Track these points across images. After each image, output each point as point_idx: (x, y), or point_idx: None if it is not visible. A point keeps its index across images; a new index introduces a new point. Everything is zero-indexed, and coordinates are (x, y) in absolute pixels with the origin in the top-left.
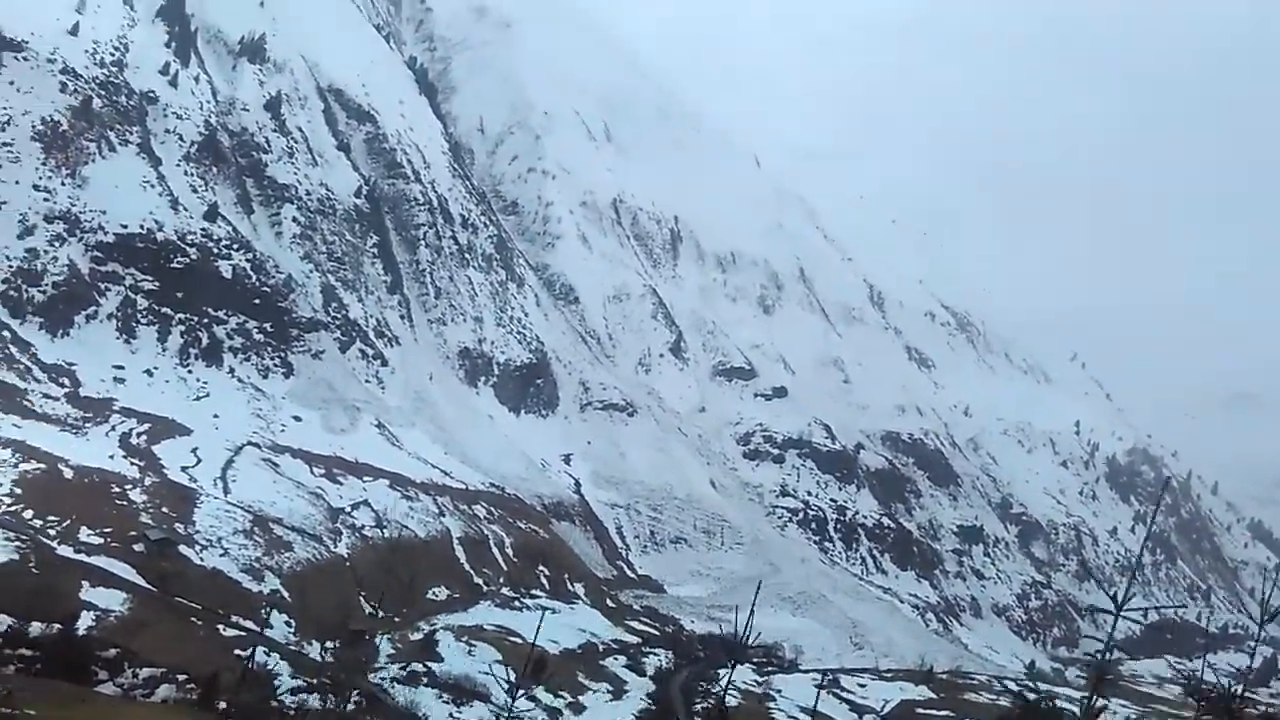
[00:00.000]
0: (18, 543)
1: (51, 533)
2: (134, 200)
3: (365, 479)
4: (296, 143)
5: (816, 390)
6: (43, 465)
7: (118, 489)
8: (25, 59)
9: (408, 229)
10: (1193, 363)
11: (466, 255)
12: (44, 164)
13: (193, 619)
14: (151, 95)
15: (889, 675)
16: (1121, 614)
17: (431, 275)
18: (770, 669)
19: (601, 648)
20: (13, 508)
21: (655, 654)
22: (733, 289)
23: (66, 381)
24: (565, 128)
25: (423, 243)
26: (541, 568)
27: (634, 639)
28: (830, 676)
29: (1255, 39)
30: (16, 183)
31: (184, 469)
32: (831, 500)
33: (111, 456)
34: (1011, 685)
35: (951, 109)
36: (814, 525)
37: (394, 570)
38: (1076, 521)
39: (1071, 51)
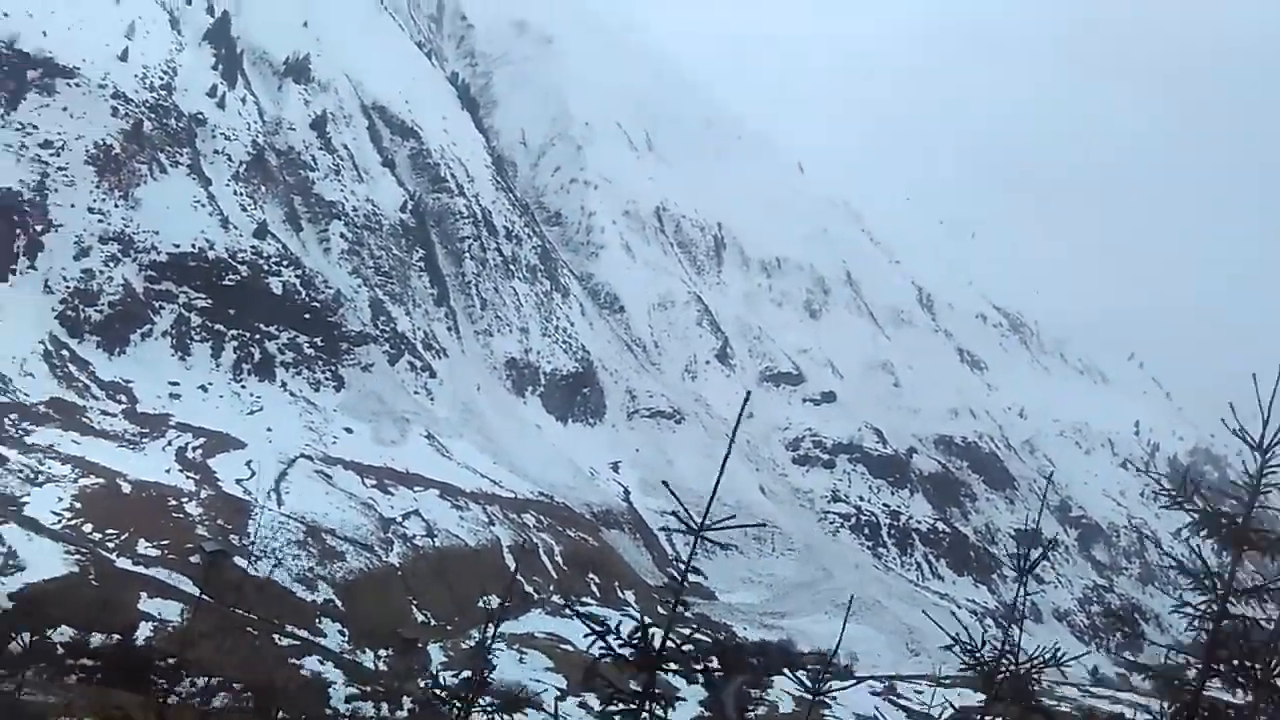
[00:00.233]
0: (78, 556)
1: (110, 546)
2: (185, 220)
3: (415, 489)
4: (342, 160)
5: (866, 394)
6: (101, 480)
7: (174, 502)
8: (78, 85)
9: (453, 242)
10: (1255, 359)
11: (511, 267)
12: (98, 187)
13: (248, 629)
14: (200, 117)
15: (947, 682)
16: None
17: (477, 287)
18: (825, 675)
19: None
20: (73, 522)
21: (707, 661)
22: (778, 294)
23: (124, 398)
24: (607, 138)
25: (468, 255)
26: (592, 575)
27: (685, 646)
28: (886, 683)
29: None
30: (72, 206)
31: (238, 482)
32: (884, 505)
33: (168, 471)
34: (1073, 692)
35: (994, 110)
36: (867, 530)
37: (445, 578)
38: (1139, 524)
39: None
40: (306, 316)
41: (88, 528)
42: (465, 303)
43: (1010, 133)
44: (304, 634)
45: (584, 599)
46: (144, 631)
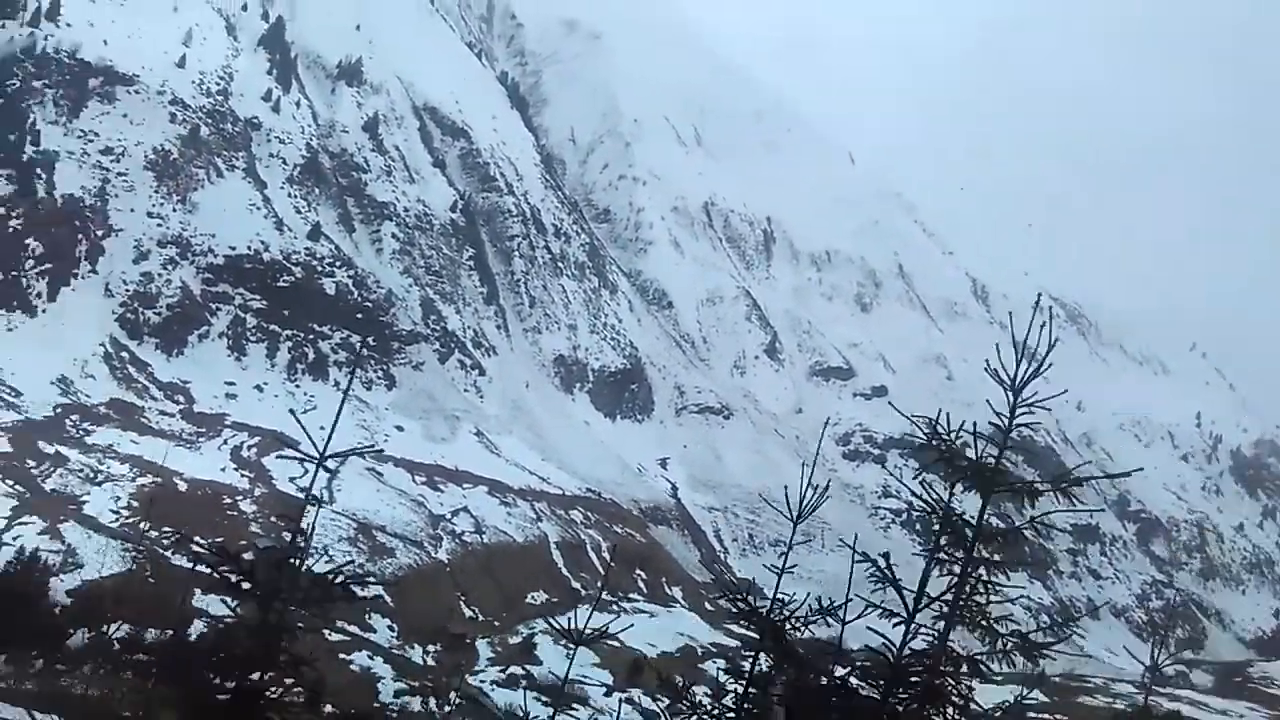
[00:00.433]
0: (135, 553)
1: (165, 543)
2: (241, 223)
3: (465, 486)
4: (394, 161)
5: (918, 388)
6: (158, 479)
7: (229, 500)
8: (137, 92)
9: (502, 241)
10: None
11: (560, 264)
12: (156, 191)
13: (299, 624)
14: (255, 121)
15: (999, 679)
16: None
17: (526, 285)
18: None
19: (700, 651)
20: (130, 520)
21: (755, 657)
22: (828, 288)
23: (181, 398)
24: (655, 134)
25: (517, 254)
26: (639, 571)
27: (733, 642)
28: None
29: None
30: (131, 210)
31: (291, 480)
32: (937, 500)
33: (223, 469)
34: (1129, 688)
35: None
36: (918, 526)
37: (493, 575)
38: (1199, 518)
39: (1174, 33)
40: (359, 316)
41: (144, 525)
42: (514, 301)
43: (1067, 121)
44: (354, 629)
45: (630, 595)
46: (198, 627)
